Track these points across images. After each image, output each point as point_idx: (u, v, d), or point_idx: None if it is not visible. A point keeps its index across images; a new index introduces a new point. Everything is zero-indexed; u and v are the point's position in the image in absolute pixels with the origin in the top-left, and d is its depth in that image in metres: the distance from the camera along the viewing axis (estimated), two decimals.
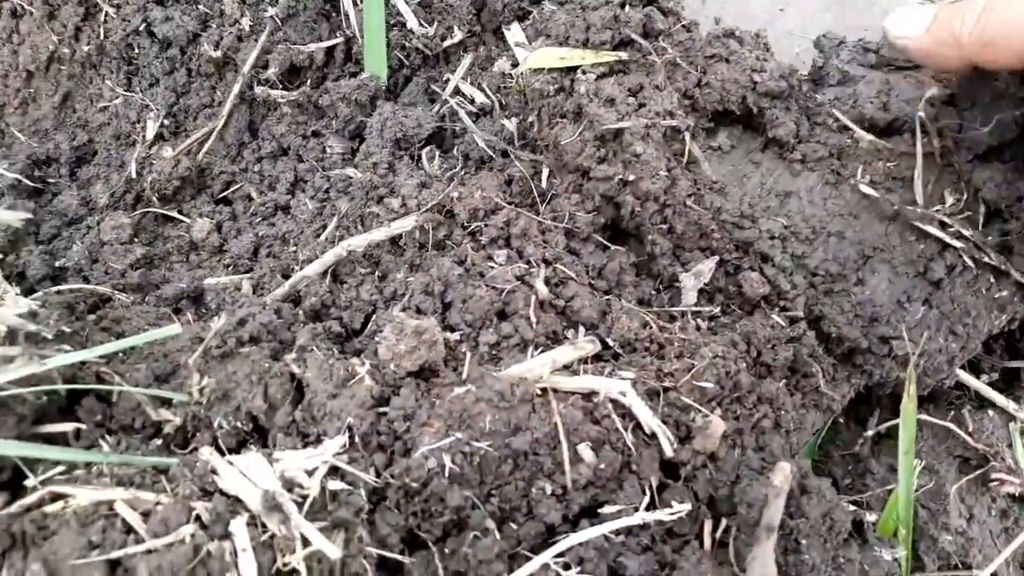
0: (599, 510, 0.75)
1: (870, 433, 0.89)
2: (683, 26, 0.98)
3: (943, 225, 0.87)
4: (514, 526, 0.74)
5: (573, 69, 0.94)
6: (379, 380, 0.79)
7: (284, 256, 0.98)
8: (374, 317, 0.87)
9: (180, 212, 1.09)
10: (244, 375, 0.78)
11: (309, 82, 1.13)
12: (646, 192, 0.86)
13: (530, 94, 0.96)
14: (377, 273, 0.91)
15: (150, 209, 1.09)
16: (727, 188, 0.91)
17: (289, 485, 0.70)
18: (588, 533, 0.73)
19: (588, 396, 0.78)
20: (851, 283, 0.87)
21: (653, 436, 0.77)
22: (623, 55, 0.92)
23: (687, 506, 0.75)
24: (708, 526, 0.78)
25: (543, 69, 0.94)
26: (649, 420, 0.77)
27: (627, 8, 0.96)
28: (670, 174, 0.87)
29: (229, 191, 1.10)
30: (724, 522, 0.78)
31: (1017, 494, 0.88)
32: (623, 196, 0.87)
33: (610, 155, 0.88)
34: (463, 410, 0.73)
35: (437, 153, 1.00)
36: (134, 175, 1.08)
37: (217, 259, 1.02)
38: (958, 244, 0.87)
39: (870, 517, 0.83)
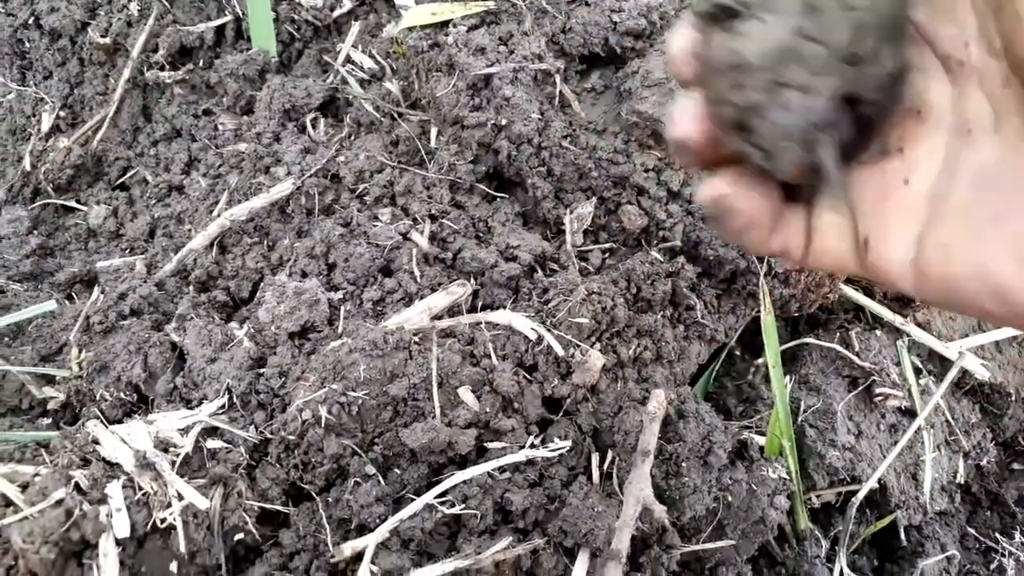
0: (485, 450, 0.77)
1: (760, 361, 0.91)
2: None
3: None
4: (398, 471, 0.75)
5: (446, 24, 0.94)
6: (259, 342, 0.79)
7: (179, 235, 0.98)
8: (262, 284, 0.88)
9: (78, 201, 1.08)
10: (123, 346, 0.79)
11: (201, 62, 1.13)
12: (519, 135, 0.87)
13: (408, 53, 0.96)
14: (266, 242, 0.92)
15: (49, 200, 1.08)
16: (601, 127, 0.92)
17: (164, 445, 0.70)
18: (471, 472, 0.74)
19: (469, 341, 0.79)
20: None
21: (533, 372, 0.79)
22: (491, 4, 0.92)
23: (568, 441, 0.77)
24: (596, 459, 0.79)
25: (417, 27, 0.95)
26: (529, 329, 0.77)
27: None
28: (543, 116, 0.88)
29: (126, 176, 1.10)
30: (611, 454, 0.79)
31: (903, 407, 0.89)
32: (499, 141, 0.88)
33: (483, 102, 0.88)
34: (337, 362, 0.74)
35: (323, 120, 1.00)
36: (28, 168, 1.08)
37: (115, 243, 1.02)
38: None
39: (760, 440, 0.85)
